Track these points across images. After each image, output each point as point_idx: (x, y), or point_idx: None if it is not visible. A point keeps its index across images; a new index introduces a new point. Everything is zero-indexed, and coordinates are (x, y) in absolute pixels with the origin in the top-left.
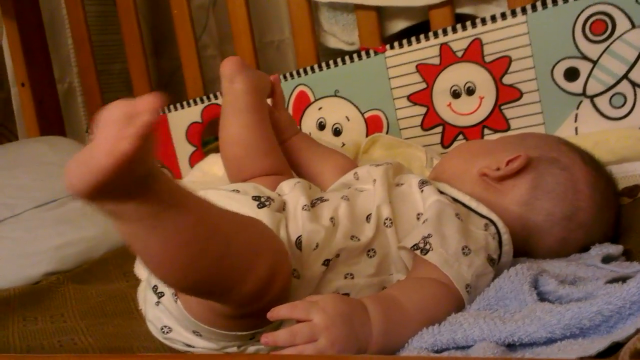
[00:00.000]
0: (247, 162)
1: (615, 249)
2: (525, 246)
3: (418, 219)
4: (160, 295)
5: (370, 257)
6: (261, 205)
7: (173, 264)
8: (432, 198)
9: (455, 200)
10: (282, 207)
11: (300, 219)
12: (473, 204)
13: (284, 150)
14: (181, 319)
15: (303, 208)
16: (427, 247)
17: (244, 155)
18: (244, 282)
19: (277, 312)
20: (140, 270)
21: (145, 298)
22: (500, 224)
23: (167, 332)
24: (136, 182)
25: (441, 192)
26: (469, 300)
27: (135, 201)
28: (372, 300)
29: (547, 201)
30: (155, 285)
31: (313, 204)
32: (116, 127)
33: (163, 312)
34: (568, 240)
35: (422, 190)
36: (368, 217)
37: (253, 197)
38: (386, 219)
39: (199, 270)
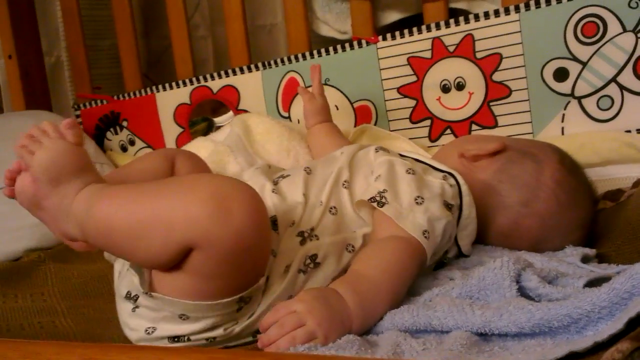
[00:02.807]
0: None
1: (589, 251)
2: (479, 225)
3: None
4: (135, 298)
5: (333, 214)
6: None
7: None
8: (382, 158)
9: (417, 160)
10: None
11: (270, 200)
12: (434, 162)
13: (309, 133)
14: (164, 307)
15: (273, 191)
16: (383, 200)
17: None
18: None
19: (266, 321)
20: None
21: (119, 311)
22: (459, 177)
23: (151, 333)
24: None
25: (404, 156)
26: (430, 246)
27: None
28: (338, 282)
29: (508, 184)
30: (128, 292)
31: (276, 182)
32: None
33: (142, 315)
34: (520, 226)
35: (376, 151)
36: (327, 180)
37: None
38: (345, 181)
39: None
